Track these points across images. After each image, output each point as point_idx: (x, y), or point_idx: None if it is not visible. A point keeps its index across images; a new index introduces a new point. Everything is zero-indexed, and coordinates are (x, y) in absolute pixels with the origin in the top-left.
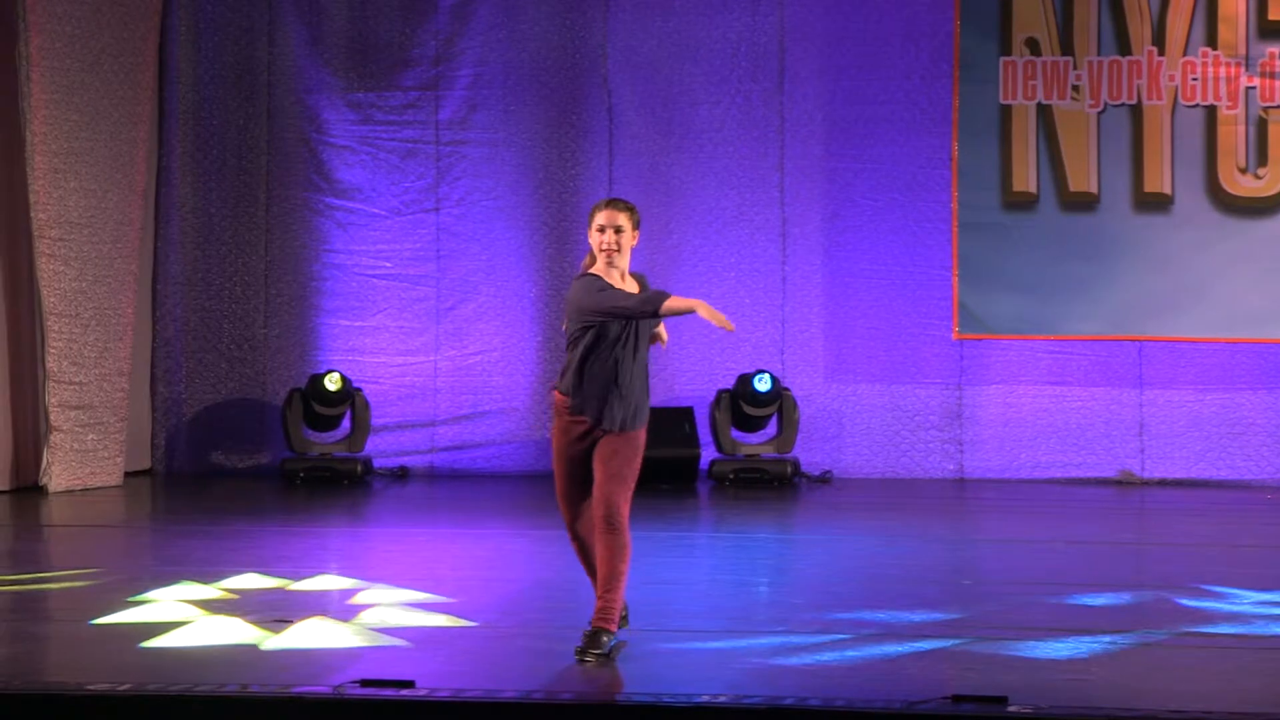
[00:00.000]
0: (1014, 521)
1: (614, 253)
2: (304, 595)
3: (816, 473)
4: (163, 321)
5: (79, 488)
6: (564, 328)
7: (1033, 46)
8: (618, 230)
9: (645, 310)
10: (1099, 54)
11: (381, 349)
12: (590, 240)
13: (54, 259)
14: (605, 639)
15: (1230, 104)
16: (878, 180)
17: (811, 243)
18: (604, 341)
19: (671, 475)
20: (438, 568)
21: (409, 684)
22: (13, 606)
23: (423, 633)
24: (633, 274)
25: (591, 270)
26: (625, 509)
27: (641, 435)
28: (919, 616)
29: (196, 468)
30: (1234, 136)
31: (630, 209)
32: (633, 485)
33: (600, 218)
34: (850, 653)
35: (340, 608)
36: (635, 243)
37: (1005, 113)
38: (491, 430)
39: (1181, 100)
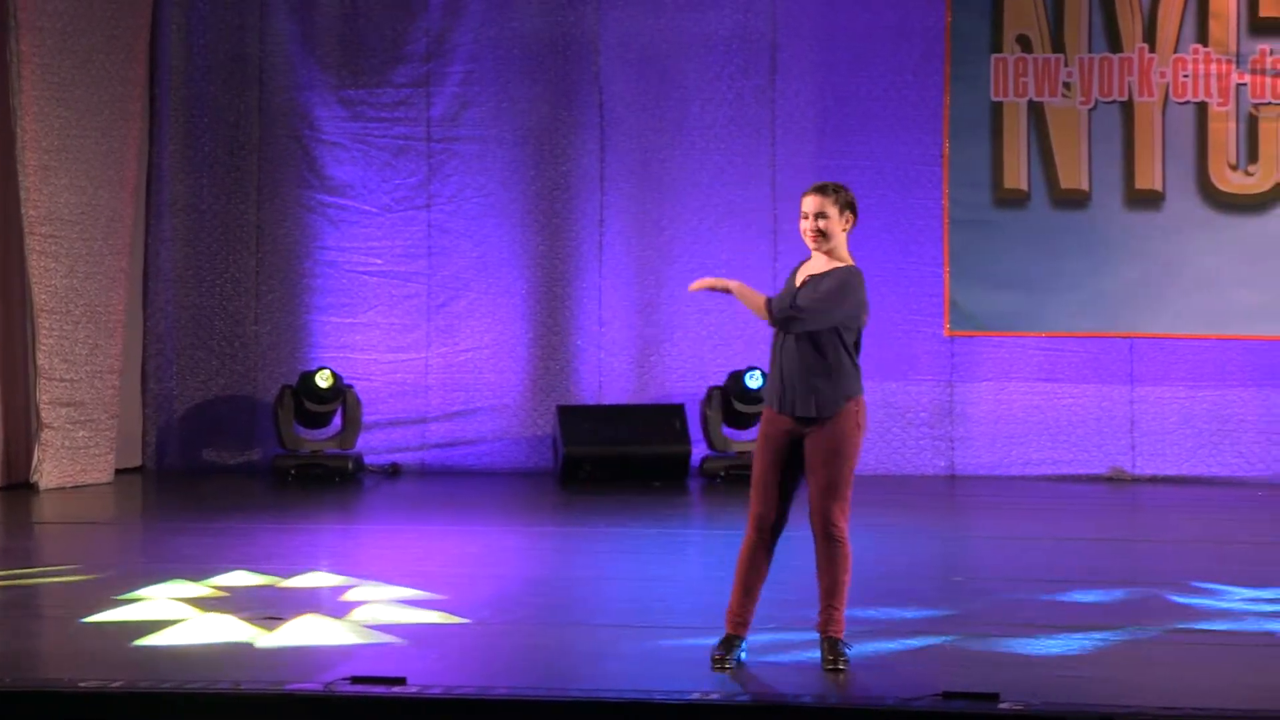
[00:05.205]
0: (1005, 518)
1: (817, 237)
2: (295, 592)
3: None
4: (154, 318)
5: (70, 485)
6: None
7: (1024, 43)
8: (821, 216)
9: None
10: (1090, 51)
11: (373, 346)
12: None
13: (45, 256)
14: (843, 645)
15: (1221, 101)
16: (869, 177)
17: (803, 240)
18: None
19: (662, 472)
20: (429, 565)
21: (400, 681)
22: (3, 603)
23: (415, 630)
24: (844, 266)
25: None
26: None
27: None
28: (910, 614)
29: (187, 465)
30: (1225, 133)
31: (837, 190)
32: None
33: (804, 204)
34: None
35: (332, 605)
36: (848, 225)
37: (996, 110)
38: (483, 427)
39: (1173, 97)
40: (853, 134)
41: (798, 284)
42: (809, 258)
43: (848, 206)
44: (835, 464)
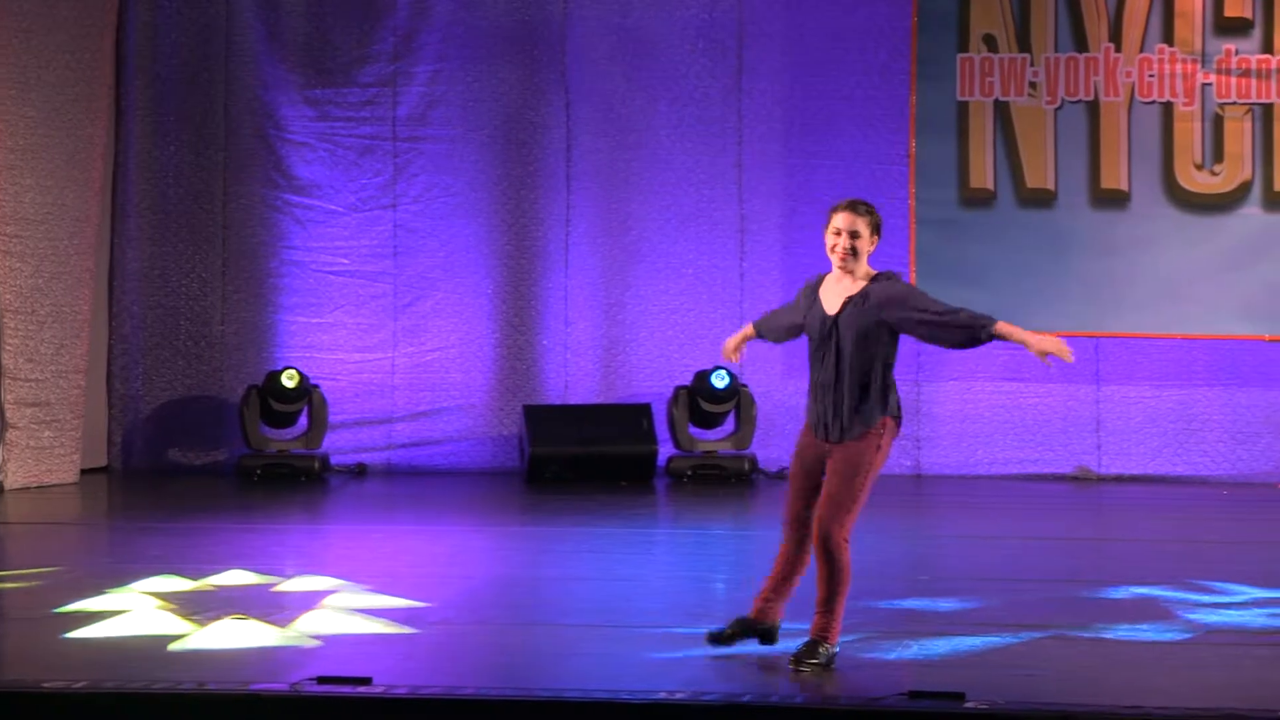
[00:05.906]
0: (971, 518)
1: (847, 256)
2: (262, 592)
3: (774, 469)
4: (119, 318)
5: (35, 485)
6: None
7: (990, 43)
8: (854, 235)
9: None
10: (1056, 51)
11: (339, 345)
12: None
13: (10, 255)
14: (823, 650)
15: (1187, 101)
16: (836, 177)
17: (770, 239)
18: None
19: (629, 472)
20: (395, 565)
21: (366, 681)
22: None
23: (380, 630)
24: (882, 273)
25: (829, 274)
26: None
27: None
28: (876, 612)
29: (153, 465)
30: (1191, 133)
31: (870, 211)
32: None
33: (837, 220)
34: None
35: (298, 604)
36: (873, 248)
37: (963, 109)
38: (449, 427)
39: (1138, 97)
40: (819, 133)
41: (831, 310)
42: (822, 277)
43: (876, 230)
44: (847, 479)
